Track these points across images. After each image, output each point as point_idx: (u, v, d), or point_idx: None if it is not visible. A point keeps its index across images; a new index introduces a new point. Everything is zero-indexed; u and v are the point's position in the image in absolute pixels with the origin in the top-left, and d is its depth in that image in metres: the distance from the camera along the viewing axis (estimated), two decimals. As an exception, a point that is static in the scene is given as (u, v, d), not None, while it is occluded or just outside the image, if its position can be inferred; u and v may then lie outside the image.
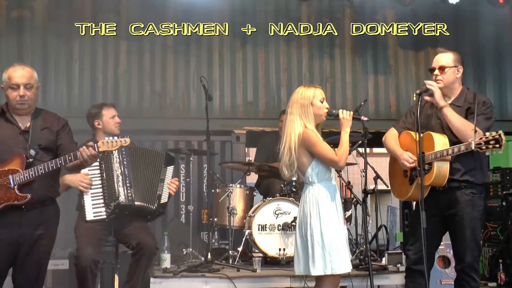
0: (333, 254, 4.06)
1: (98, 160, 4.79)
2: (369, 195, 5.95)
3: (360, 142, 5.92)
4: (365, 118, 4.47)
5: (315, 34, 8.48)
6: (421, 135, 4.32)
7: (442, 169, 4.26)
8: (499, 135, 3.91)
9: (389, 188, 5.03)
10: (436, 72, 4.43)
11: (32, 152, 4.07)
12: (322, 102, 4.26)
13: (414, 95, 4.23)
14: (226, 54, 8.37)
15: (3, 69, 4.30)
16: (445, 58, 4.47)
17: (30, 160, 4.06)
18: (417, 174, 4.30)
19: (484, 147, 3.97)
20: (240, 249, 5.94)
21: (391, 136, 4.65)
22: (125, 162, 4.95)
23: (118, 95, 8.08)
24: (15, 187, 4.00)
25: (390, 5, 8.62)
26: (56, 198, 4.35)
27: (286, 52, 8.50)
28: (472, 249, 4.35)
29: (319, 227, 4.09)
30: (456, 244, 4.45)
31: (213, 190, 6.38)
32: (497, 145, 3.92)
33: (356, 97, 8.53)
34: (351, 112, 4.31)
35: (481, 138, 3.99)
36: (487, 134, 3.98)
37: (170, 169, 5.27)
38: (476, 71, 8.85)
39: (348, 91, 8.59)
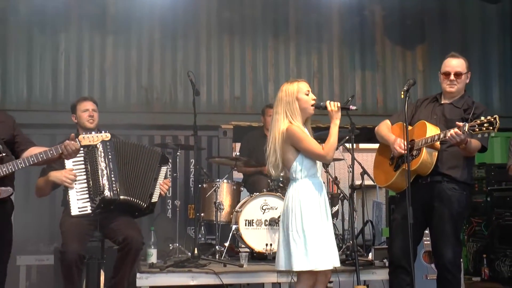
0: (314, 251, 4.04)
1: (82, 155, 4.76)
2: (355, 191, 5.97)
3: (347, 137, 5.93)
4: (354, 107, 4.38)
5: (303, 29, 8.52)
6: (415, 124, 4.45)
7: (430, 155, 4.31)
8: (494, 118, 3.95)
9: (375, 182, 5.06)
10: (452, 77, 4.50)
11: (0, 147, 4.09)
12: (307, 95, 4.23)
13: (402, 92, 4.23)
14: (213, 49, 8.35)
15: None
16: (460, 64, 4.55)
17: (3, 154, 4.09)
18: (403, 160, 4.33)
19: (477, 129, 4.00)
20: (227, 244, 5.92)
21: (384, 125, 4.71)
22: (110, 156, 4.91)
23: (104, 90, 8.04)
24: None
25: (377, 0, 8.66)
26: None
27: (274, 47, 8.50)
28: (453, 244, 4.38)
29: (300, 223, 4.08)
30: (436, 239, 4.47)
31: (200, 185, 6.36)
32: (491, 127, 3.95)
33: (343, 92, 8.56)
34: (338, 103, 4.24)
35: (475, 121, 4.02)
36: (482, 118, 4.02)
37: (164, 169, 5.23)
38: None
39: (335, 86, 8.60)
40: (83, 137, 4.28)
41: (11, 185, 4.19)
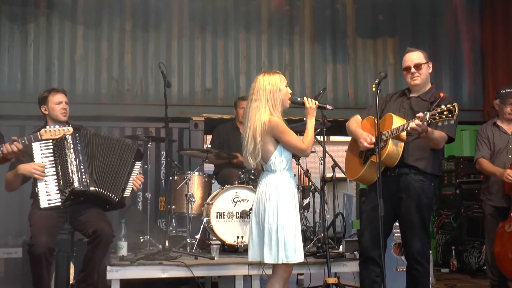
0: (289, 243, 4.04)
1: (51, 147, 4.72)
2: (326, 183, 5.99)
3: (318, 130, 5.94)
4: (330, 107, 4.48)
5: (275, 22, 8.53)
6: (382, 117, 4.46)
7: (396, 147, 4.35)
8: (453, 105, 4.02)
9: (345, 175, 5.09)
10: (413, 70, 4.58)
11: None
12: (286, 88, 4.22)
13: (374, 85, 4.26)
14: (185, 41, 8.32)
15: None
16: (418, 56, 4.64)
17: None
18: (372, 153, 4.39)
19: (437, 117, 4.06)
20: (198, 236, 5.91)
21: (354, 120, 4.74)
22: (79, 148, 4.86)
23: (74, 81, 7.96)
24: None
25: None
26: None
27: (246, 39, 8.49)
28: (421, 235, 4.43)
29: (277, 215, 4.06)
30: (405, 231, 4.51)
31: (171, 177, 6.32)
32: (450, 115, 4.00)
33: (315, 85, 8.59)
34: (316, 101, 4.28)
35: (435, 110, 4.08)
36: (442, 106, 4.07)
37: (138, 165, 5.20)
38: (433, 62, 8.98)
39: (307, 79, 8.64)
40: (45, 131, 4.40)
41: None
